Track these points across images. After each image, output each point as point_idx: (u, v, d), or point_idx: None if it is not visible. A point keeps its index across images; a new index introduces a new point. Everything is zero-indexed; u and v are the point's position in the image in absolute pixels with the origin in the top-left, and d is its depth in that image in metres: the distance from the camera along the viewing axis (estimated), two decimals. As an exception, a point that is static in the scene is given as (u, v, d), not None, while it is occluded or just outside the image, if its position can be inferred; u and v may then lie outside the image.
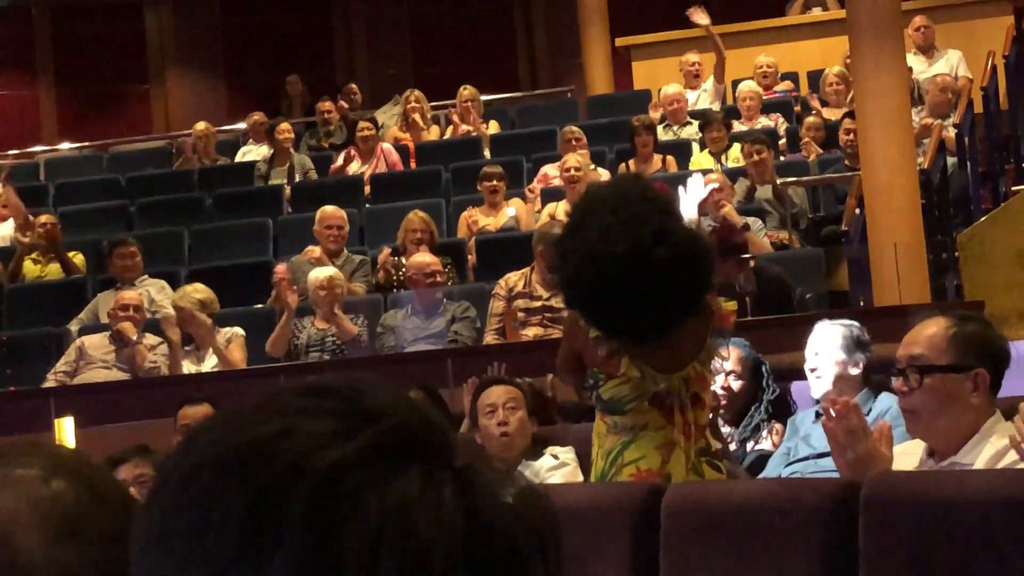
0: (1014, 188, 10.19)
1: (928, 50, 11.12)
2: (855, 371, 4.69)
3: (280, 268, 8.14)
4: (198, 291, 7.73)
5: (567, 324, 3.81)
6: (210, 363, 7.60)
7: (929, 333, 3.13)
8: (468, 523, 0.84)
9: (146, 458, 4.15)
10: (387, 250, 8.67)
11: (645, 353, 3.53)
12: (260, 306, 8.50)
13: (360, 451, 0.84)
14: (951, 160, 9.54)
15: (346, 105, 12.64)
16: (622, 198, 3.51)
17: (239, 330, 7.72)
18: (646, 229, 3.41)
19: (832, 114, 10.53)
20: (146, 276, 8.77)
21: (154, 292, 8.56)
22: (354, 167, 10.79)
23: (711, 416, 3.75)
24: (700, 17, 11.14)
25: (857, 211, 8.45)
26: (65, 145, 14.06)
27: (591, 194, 3.70)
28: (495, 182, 9.38)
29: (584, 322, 3.55)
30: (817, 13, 12.57)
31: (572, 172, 9.19)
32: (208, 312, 7.66)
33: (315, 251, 8.60)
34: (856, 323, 4.86)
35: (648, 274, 3.38)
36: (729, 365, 4.96)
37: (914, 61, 10.43)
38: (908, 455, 3.17)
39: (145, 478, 3.98)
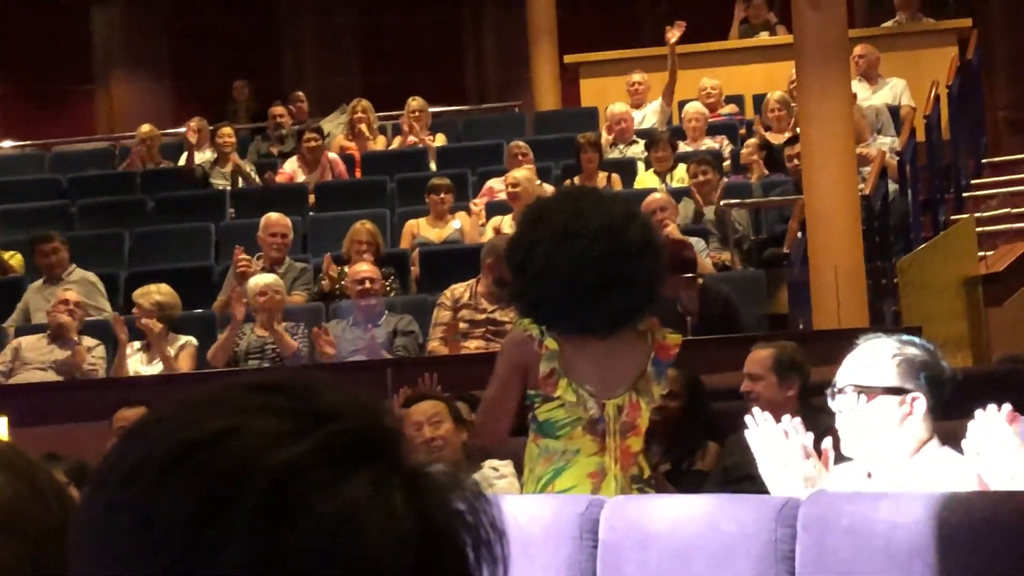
0: (953, 217, 10.31)
1: (872, 78, 11.23)
2: (790, 392, 4.73)
3: (239, 249, 8.20)
4: (160, 292, 7.68)
5: (506, 353, 3.67)
6: (159, 366, 7.56)
7: (869, 355, 3.16)
8: (418, 528, 0.83)
9: (56, 466, 4.10)
10: (329, 257, 8.65)
11: (583, 373, 3.53)
12: (200, 311, 8.45)
13: (310, 452, 0.82)
14: (892, 187, 9.63)
15: (295, 109, 12.61)
16: (580, 191, 3.57)
17: (192, 340, 7.68)
18: (616, 209, 3.44)
19: (775, 138, 10.61)
20: (74, 267, 8.68)
21: (83, 288, 8.48)
22: (298, 175, 10.76)
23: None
24: (674, 34, 11.18)
25: (799, 234, 8.51)
26: (7, 143, 13.93)
27: (542, 199, 3.73)
28: (442, 194, 9.38)
29: (532, 329, 3.53)
30: (764, 38, 12.66)
31: (512, 188, 9.20)
32: (166, 315, 7.61)
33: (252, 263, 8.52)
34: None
35: (623, 252, 3.39)
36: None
37: (858, 88, 10.53)
38: (847, 476, 3.19)
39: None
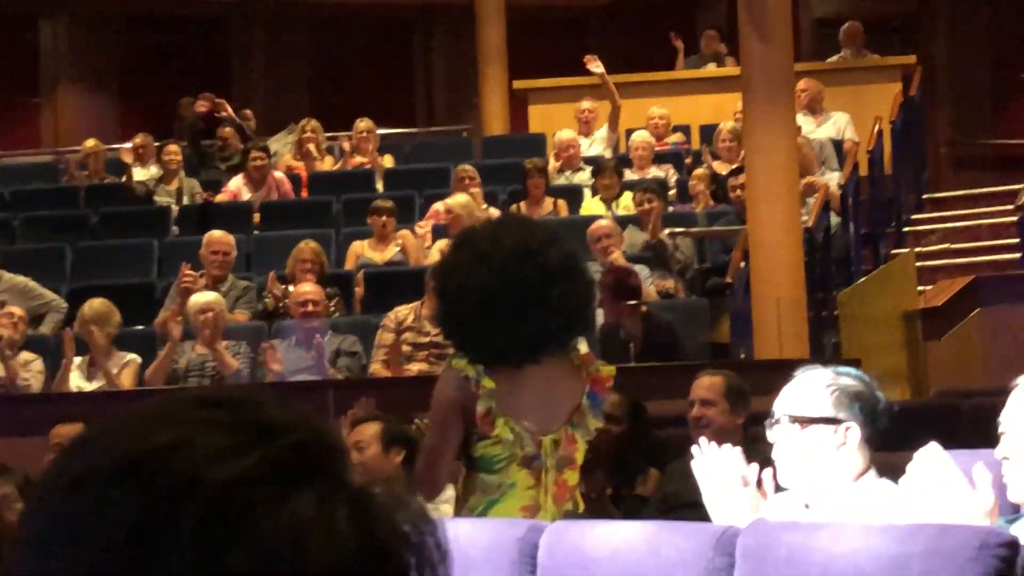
0: (894, 251, 10.42)
1: (817, 111, 11.34)
2: (739, 420, 4.77)
3: (185, 265, 8.16)
4: (101, 306, 7.62)
5: (442, 397, 3.62)
6: (100, 382, 7.51)
7: (805, 385, 3.19)
8: (362, 546, 0.82)
9: (5, 477, 4.06)
10: (273, 275, 8.62)
11: (520, 408, 3.53)
12: (141, 327, 8.41)
13: (255, 467, 0.82)
14: (835, 220, 9.72)
15: (249, 116, 12.59)
16: (507, 218, 3.60)
17: (136, 358, 7.63)
18: (537, 234, 3.46)
19: (724, 168, 10.69)
20: (2, 274, 8.62)
21: (15, 294, 8.40)
22: (244, 194, 10.73)
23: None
24: (595, 66, 11.27)
25: (742, 264, 8.57)
26: (-50, 154, 13.80)
27: (473, 225, 3.75)
28: (383, 216, 9.38)
29: (467, 370, 3.53)
30: (712, 69, 12.76)
31: (447, 213, 9.19)
32: (106, 330, 7.56)
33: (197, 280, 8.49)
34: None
35: (538, 275, 3.40)
36: (608, 408, 5.00)
37: (803, 121, 10.63)
38: (784, 507, 3.22)
39: (8, 498, 3.89)
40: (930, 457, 2.65)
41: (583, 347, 3.62)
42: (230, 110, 12.39)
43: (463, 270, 3.48)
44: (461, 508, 3.61)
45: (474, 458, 3.56)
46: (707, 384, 4.93)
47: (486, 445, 3.53)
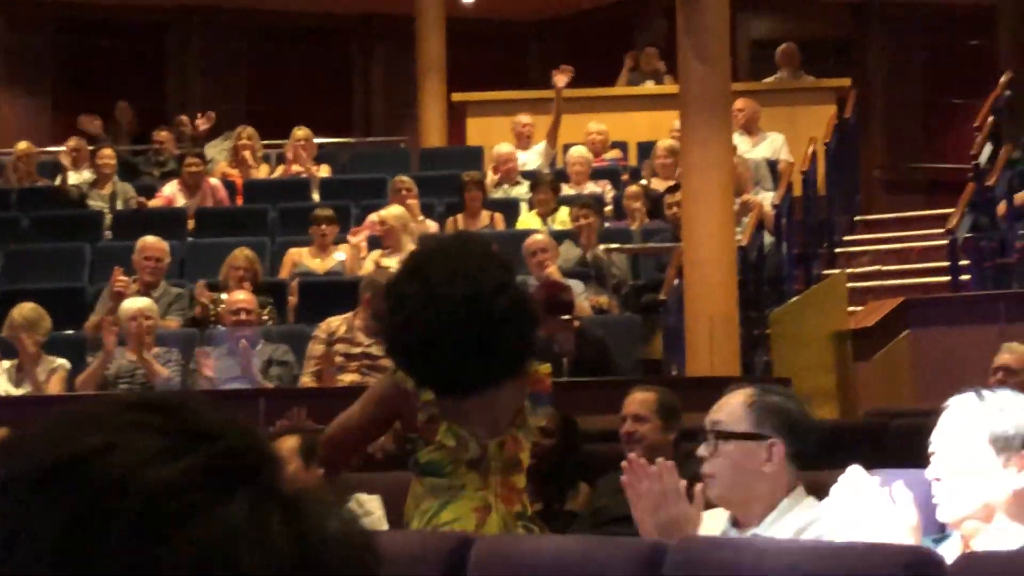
0: (826, 271, 10.51)
1: (752, 131, 11.43)
2: (671, 436, 4.80)
3: (118, 269, 8.10)
4: (31, 312, 7.54)
5: (383, 390, 3.68)
6: (27, 388, 7.43)
7: (731, 402, 3.22)
8: (296, 554, 0.82)
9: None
10: (203, 283, 8.57)
11: (464, 415, 3.54)
12: (71, 332, 8.33)
13: (186, 472, 0.81)
14: (768, 239, 9.79)
15: (184, 122, 12.52)
16: (464, 248, 3.57)
17: (65, 363, 7.55)
18: (489, 278, 3.46)
19: (661, 185, 10.74)
20: None
21: None
22: (178, 200, 10.67)
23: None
24: (561, 79, 11.29)
25: (676, 282, 8.62)
26: None
27: (430, 243, 3.75)
28: (324, 226, 9.36)
29: (407, 382, 3.54)
30: (650, 86, 12.83)
31: (380, 225, 9.18)
32: (35, 336, 7.48)
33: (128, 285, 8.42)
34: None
35: (485, 322, 3.43)
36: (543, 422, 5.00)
37: (739, 141, 10.71)
38: (712, 524, 3.23)
39: None
40: (853, 479, 2.67)
41: None
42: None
43: (412, 304, 3.51)
44: (413, 513, 3.61)
45: (421, 464, 3.57)
46: (639, 400, 4.94)
47: (430, 451, 3.55)
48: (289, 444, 4.76)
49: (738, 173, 10.22)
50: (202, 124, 11.87)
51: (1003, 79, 11.68)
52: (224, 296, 8.24)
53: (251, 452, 0.85)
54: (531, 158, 11.61)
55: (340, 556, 0.84)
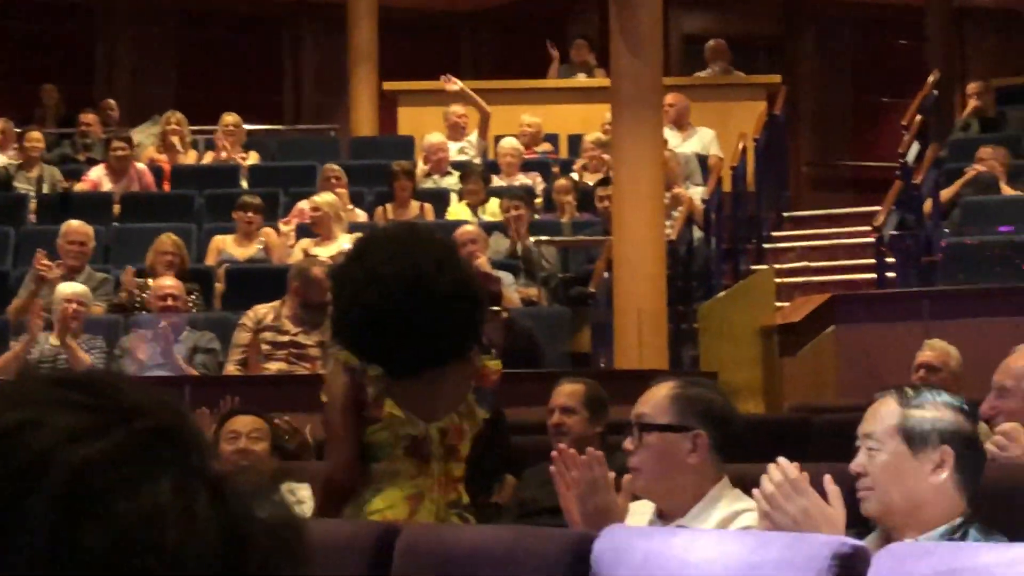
0: (754, 267, 10.58)
1: (683, 126, 11.47)
2: (598, 428, 4.81)
3: (40, 253, 8.00)
4: None
5: (338, 388, 3.62)
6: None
7: (654, 394, 3.24)
8: (221, 535, 0.81)
9: None
10: (131, 270, 8.50)
11: (407, 398, 3.55)
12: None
13: (112, 449, 0.80)
14: (698, 234, 9.84)
15: (112, 106, 12.39)
16: (409, 232, 3.60)
17: None
18: (430, 258, 3.49)
19: (590, 178, 10.76)
20: None
21: None
22: (104, 184, 10.56)
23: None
24: (451, 84, 11.31)
25: (605, 275, 8.64)
26: None
27: (376, 231, 3.78)
28: (250, 213, 9.30)
29: (352, 361, 3.54)
30: (582, 79, 12.84)
31: (314, 212, 9.14)
32: None
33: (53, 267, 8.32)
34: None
35: (426, 301, 3.44)
36: None
37: (669, 135, 10.74)
38: (639, 515, 3.24)
39: None
40: (783, 471, 2.69)
41: None
42: None
43: (355, 286, 3.55)
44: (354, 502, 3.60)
45: (364, 444, 3.57)
46: (568, 392, 4.94)
47: (374, 431, 3.55)
48: (261, 424, 4.75)
49: (669, 168, 10.27)
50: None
51: (931, 78, 11.81)
52: (150, 282, 8.17)
53: (179, 431, 0.84)
54: (463, 149, 11.59)
55: (268, 540, 0.84)
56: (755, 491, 2.72)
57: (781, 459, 2.72)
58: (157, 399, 0.85)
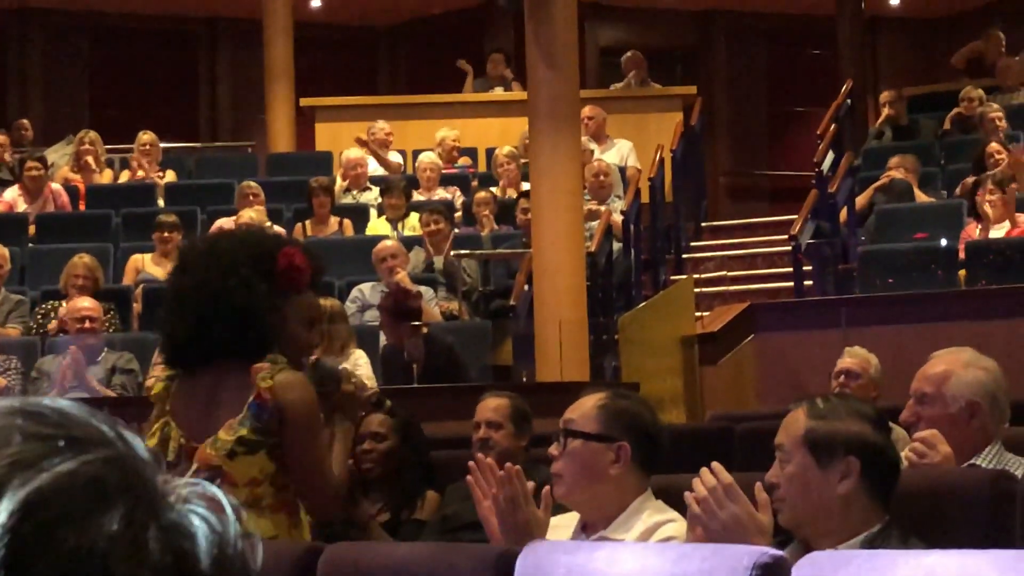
0: (673, 277, 10.64)
1: (601, 138, 11.52)
2: (523, 442, 4.81)
3: None
4: None
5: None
6: None
7: (583, 403, 3.26)
8: (171, 565, 0.80)
9: None
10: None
11: (180, 413, 3.51)
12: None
13: (60, 479, 0.79)
14: (617, 245, 9.88)
15: (25, 126, 12.24)
16: (218, 238, 3.67)
17: None
18: (219, 264, 3.48)
19: (506, 192, 10.78)
20: None
21: None
22: (19, 205, 10.42)
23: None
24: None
25: (526, 288, 8.65)
26: None
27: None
28: (166, 232, 9.23)
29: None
30: (499, 93, 12.87)
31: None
32: None
33: None
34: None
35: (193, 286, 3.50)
36: (373, 427, 4.93)
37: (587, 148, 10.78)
38: (562, 528, 3.25)
39: None
40: (715, 477, 2.70)
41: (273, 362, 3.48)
42: None
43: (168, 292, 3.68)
44: None
45: None
46: (493, 406, 4.92)
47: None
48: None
49: (608, 181, 10.32)
50: None
51: (844, 88, 11.95)
52: (63, 304, 8.08)
53: (131, 463, 0.83)
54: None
55: (218, 568, 0.83)
56: (687, 495, 2.73)
57: (715, 464, 2.73)
58: (110, 429, 0.84)
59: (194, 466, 3.41)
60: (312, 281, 3.57)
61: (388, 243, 8.76)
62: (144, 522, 0.80)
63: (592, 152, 10.93)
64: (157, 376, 3.59)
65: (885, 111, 12.03)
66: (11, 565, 0.77)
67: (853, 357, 6.07)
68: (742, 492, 2.68)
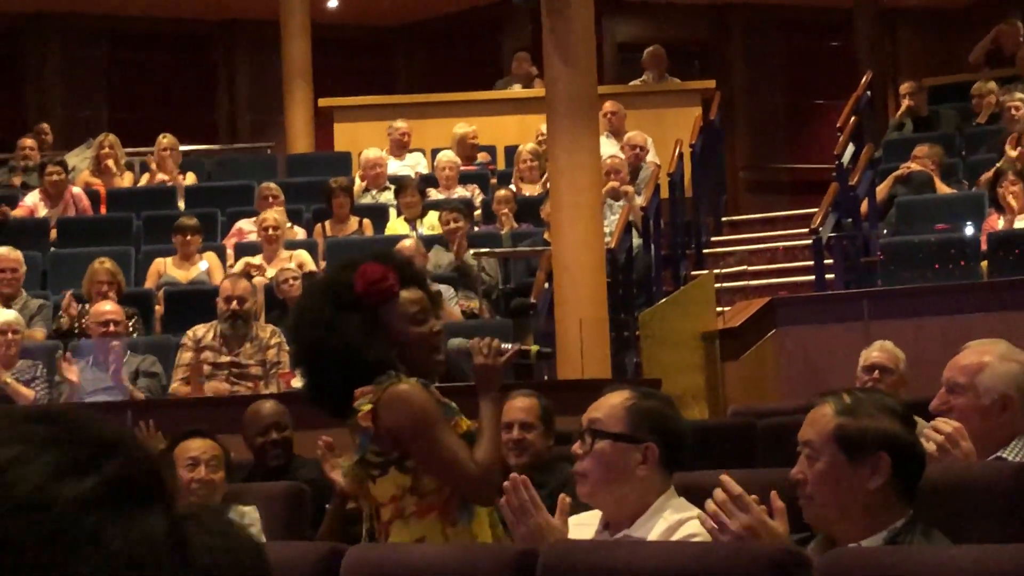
0: (694, 272, 10.62)
1: (619, 134, 11.50)
2: (550, 442, 4.79)
3: None
4: None
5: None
6: None
7: (610, 402, 3.23)
8: (206, 564, 0.82)
9: None
10: (69, 294, 8.43)
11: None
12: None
13: (102, 486, 0.80)
14: (637, 241, 9.87)
15: (46, 130, 12.28)
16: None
17: None
18: (308, 320, 3.50)
19: (527, 189, 10.77)
20: None
21: None
22: (40, 210, 10.46)
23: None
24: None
25: (546, 285, 8.65)
26: None
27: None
28: (188, 235, 9.25)
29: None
30: (517, 90, 12.86)
31: (271, 231, 9.20)
32: None
33: None
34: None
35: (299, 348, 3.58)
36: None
37: (606, 144, 10.77)
38: (585, 526, 3.24)
39: None
40: (726, 489, 2.69)
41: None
42: None
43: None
44: None
45: None
46: (524, 406, 4.87)
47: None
48: (219, 450, 4.73)
49: (622, 176, 10.28)
50: None
51: (864, 79, 11.90)
52: (87, 307, 8.11)
53: (153, 464, 0.84)
54: (407, 165, 11.57)
55: (237, 566, 0.84)
56: (707, 503, 2.72)
57: (723, 477, 2.71)
58: (126, 434, 0.85)
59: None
60: (402, 279, 3.51)
61: (407, 242, 8.77)
62: (183, 525, 0.82)
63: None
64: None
65: (905, 102, 11.98)
66: (59, 573, 0.78)
67: (884, 351, 5.95)
68: (752, 502, 2.66)
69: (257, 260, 9.19)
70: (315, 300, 3.53)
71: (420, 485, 3.44)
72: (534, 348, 3.91)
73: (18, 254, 8.54)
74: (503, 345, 3.61)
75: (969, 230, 9.09)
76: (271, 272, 8.90)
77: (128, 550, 0.79)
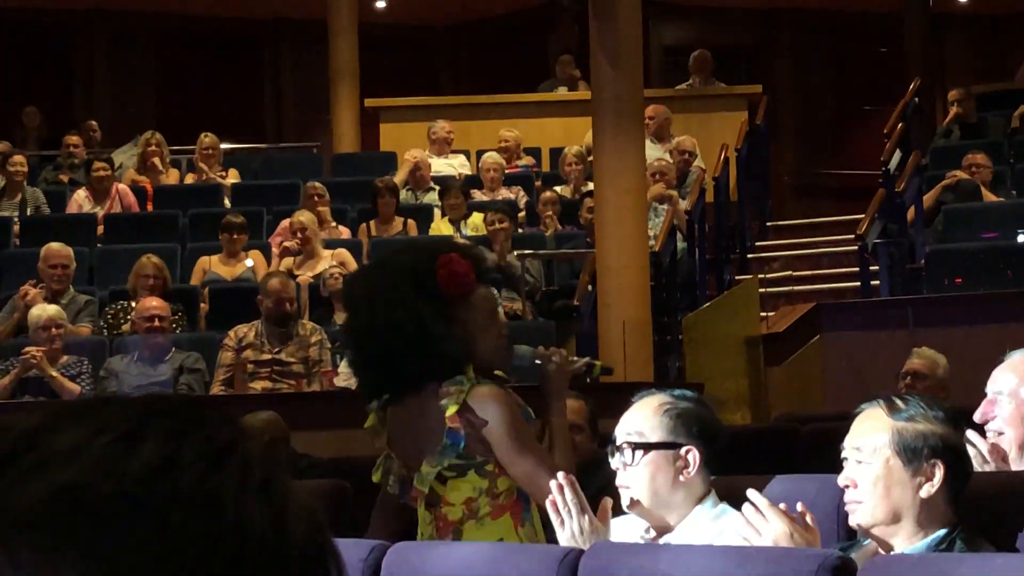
0: (738, 277, 10.59)
1: (663, 138, 11.48)
2: (596, 445, 4.79)
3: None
4: None
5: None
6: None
7: (643, 410, 3.20)
8: (308, 538, 0.85)
9: None
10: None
11: (393, 441, 3.52)
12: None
13: (255, 447, 0.85)
14: (681, 245, 9.85)
15: (94, 127, 12.37)
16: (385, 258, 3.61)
17: None
18: (383, 299, 3.45)
19: (571, 191, 10.77)
20: None
21: None
22: (87, 206, 10.54)
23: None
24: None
25: (589, 287, 8.64)
26: None
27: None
28: (235, 233, 9.29)
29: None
30: (563, 92, 12.86)
31: (299, 233, 9.20)
32: None
33: (30, 292, 8.33)
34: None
35: (359, 334, 3.51)
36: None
37: (651, 147, 10.76)
38: (628, 528, 3.23)
39: None
40: (754, 505, 2.68)
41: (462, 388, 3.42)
42: None
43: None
44: None
45: None
46: (573, 408, 4.87)
47: None
48: None
49: (666, 180, 10.25)
50: None
51: (912, 86, 11.84)
52: (132, 304, 8.17)
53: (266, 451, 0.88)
54: (452, 166, 11.60)
55: (322, 547, 0.86)
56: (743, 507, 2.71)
57: (750, 491, 2.70)
58: (223, 416, 0.87)
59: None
60: (478, 276, 3.46)
61: (452, 244, 8.78)
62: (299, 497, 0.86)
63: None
64: (369, 408, 3.58)
65: (953, 109, 11.91)
66: (263, 513, 0.82)
67: (921, 358, 5.99)
68: (782, 513, 2.65)
69: (291, 261, 9.22)
70: (394, 281, 3.43)
71: (495, 487, 3.43)
72: (599, 364, 3.92)
73: (69, 250, 8.60)
74: (571, 357, 3.64)
75: (1020, 238, 9.02)
76: (311, 272, 8.94)
77: (290, 496, 0.83)
